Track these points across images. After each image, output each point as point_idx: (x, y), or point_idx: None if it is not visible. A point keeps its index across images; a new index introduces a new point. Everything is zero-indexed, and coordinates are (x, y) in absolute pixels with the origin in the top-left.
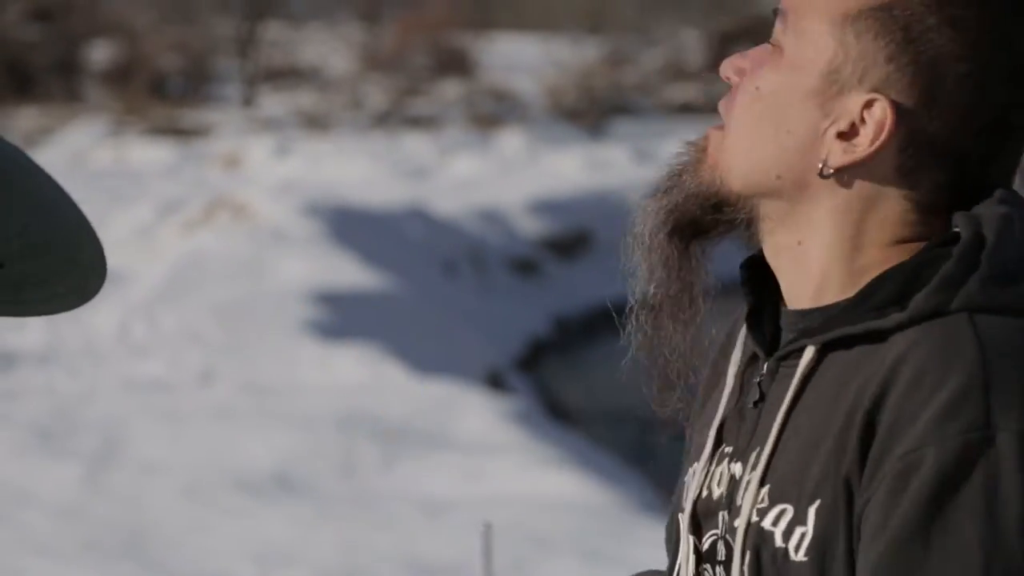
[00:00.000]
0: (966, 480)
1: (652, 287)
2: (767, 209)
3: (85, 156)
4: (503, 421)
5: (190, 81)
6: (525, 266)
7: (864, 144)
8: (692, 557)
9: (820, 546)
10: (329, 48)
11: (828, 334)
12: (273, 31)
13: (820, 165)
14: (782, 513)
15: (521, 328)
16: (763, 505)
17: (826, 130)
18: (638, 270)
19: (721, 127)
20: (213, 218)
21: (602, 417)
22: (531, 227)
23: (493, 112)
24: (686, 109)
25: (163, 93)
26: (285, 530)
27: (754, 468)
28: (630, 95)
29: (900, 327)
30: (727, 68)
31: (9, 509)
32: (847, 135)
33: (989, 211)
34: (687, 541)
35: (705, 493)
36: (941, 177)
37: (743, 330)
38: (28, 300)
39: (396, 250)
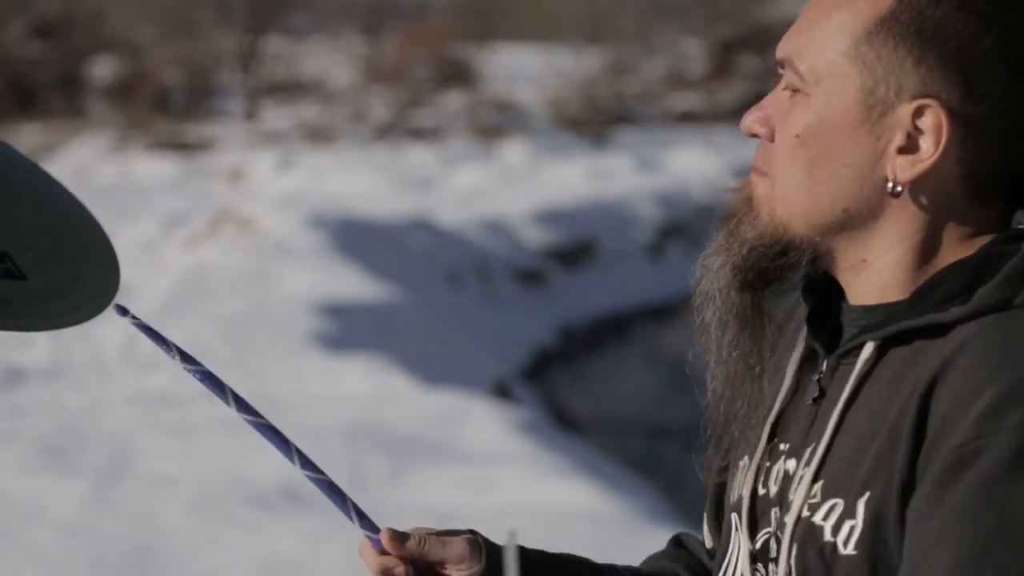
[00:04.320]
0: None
1: (726, 343)
2: (834, 241)
3: (89, 172)
4: (511, 431)
5: (193, 95)
6: (530, 276)
7: (929, 151)
8: (746, 556)
9: (869, 539)
10: (331, 61)
11: (888, 328)
12: (275, 45)
13: (890, 185)
14: (833, 507)
15: (527, 338)
16: (815, 500)
17: (883, 151)
18: (710, 327)
19: (762, 174)
20: (218, 232)
21: (609, 426)
22: (535, 237)
23: (496, 123)
24: (688, 118)
25: (166, 108)
26: (294, 544)
27: (807, 464)
28: (632, 104)
29: (960, 320)
30: (751, 124)
31: (17, 526)
32: (907, 148)
33: None
34: (741, 540)
35: (762, 491)
36: (1002, 161)
37: (801, 327)
38: (57, 311)
39: (401, 261)
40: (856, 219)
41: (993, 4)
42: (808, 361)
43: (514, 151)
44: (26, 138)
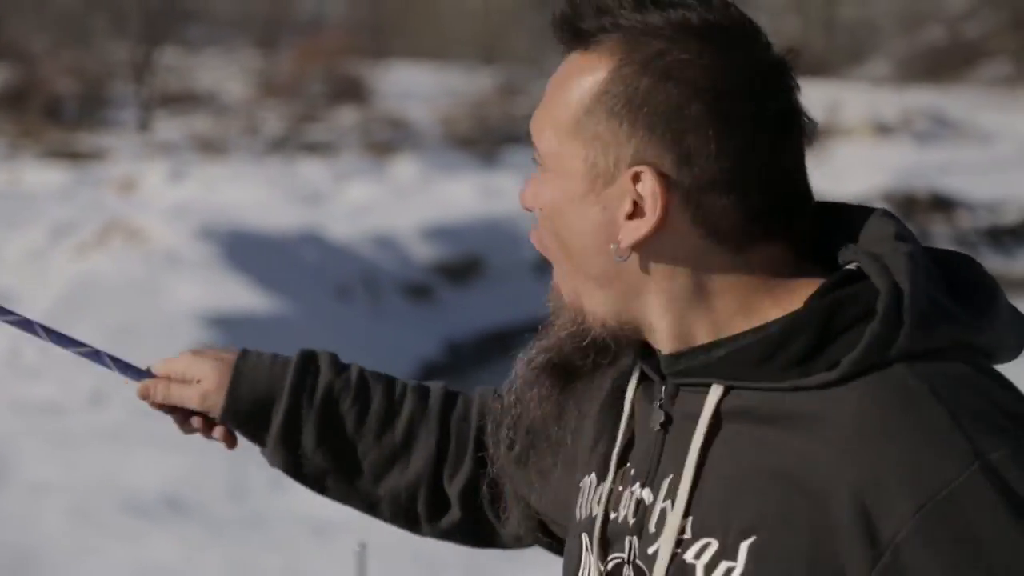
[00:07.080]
0: (982, 503)
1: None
2: (612, 314)
3: None
4: None
5: (85, 105)
6: (418, 291)
7: (651, 214)
8: None
9: None
10: (226, 74)
11: (746, 383)
12: (169, 56)
13: (612, 247)
14: (705, 547)
15: (414, 352)
16: (686, 537)
17: (612, 219)
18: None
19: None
20: (107, 241)
21: None
22: (424, 252)
23: (388, 139)
24: None
25: (58, 117)
26: (174, 552)
27: (669, 497)
28: (522, 125)
29: (828, 385)
30: (524, 198)
31: None
32: (634, 215)
33: (893, 253)
34: (592, 561)
35: (612, 515)
36: (741, 210)
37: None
38: None
39: (290, 274)
40: (613, 288)
41: (700, 72)
42: (641, 385)
43: (405, 167)
44: None
